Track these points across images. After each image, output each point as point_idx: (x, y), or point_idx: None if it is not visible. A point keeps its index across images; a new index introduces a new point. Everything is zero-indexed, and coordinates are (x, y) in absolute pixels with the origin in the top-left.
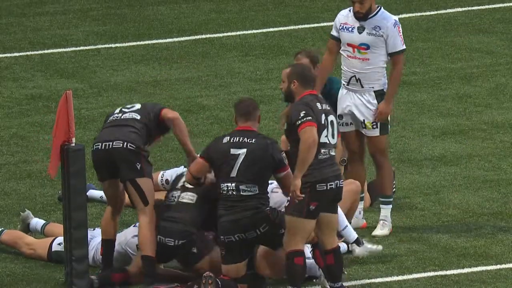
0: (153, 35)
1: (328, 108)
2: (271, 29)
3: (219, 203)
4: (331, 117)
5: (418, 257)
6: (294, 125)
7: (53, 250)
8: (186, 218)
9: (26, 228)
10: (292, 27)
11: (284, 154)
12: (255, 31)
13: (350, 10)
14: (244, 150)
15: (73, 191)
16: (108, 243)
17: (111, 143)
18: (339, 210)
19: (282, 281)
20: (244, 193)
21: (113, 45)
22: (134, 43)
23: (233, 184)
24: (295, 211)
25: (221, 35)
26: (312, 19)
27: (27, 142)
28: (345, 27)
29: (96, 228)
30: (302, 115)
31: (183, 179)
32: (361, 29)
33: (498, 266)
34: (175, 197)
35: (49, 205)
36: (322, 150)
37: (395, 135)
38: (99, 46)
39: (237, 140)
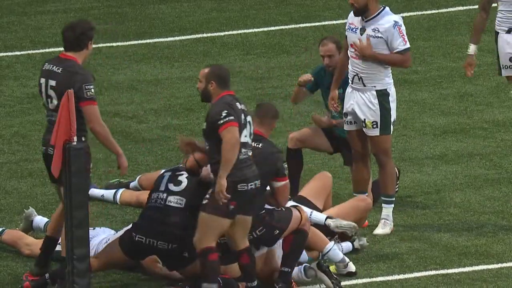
0: (154, 34)
1: (246, 109)
2: (272, 28)
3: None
4: (249, 117)
5: (419, 255)
6: (215, 124)
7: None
8: (178, 222)
9: (30, 225)
10: (293, 26)
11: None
12: (256, 30)
13: None
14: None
15: (75, 190)
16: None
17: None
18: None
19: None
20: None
21: (114, 44)
22: (135, 42)
23: None
24: (214, 210)
25: (222, 33)
26: (313, 18)
27: (28, 140)
28: (351, 27)
29: (96, 228)
30: (224, 114)
31: (164, 179)
32: (362, 30)
33: (500, 265)
34: (162, 199)
35: (50, 203)
36: (243, 150)
37: (396, 134)
38: (100, 45)
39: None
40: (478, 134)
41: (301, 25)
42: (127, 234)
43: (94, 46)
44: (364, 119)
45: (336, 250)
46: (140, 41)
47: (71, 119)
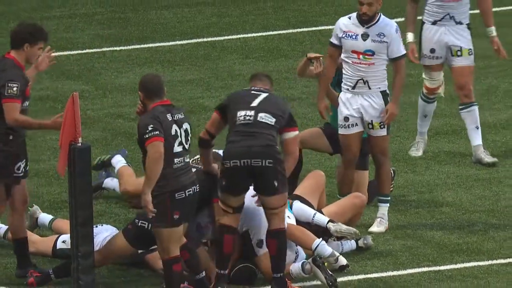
0: (156, 38)
1: (182, 117)
2: (271, 33)
3: (232, 133)
4: (186, 125)
5: (412, 253)
6: (142, 138)
7: (57, 247)
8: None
9: (35, 223)
10: (290, 31)
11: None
12: (255, 35)
13: (350, 18)
14: (265, 94)
15: (79, 189)
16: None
17: None
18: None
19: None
20: (262, 120)
21: (117, 48)
22: (138, 46)
23: (252, 111)
24: (161, 223)
25: (222, 38)
26: (310, 23)
27: (34, 142)
28: (349, 34)
29: (98, 225)
30: (149, 129)
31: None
32: (365, 36)
33: (490, 262)
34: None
35: (56, 202)
36: (176, 160)
37: (390, 135)
38: (104, 49)
39: (256, 89)
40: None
41: (298, 30)
42: (130, 224)
43: (98, 50)
44: (372, 121)
45: (324, 245)
46: (142, 45)
47: (76, 121)
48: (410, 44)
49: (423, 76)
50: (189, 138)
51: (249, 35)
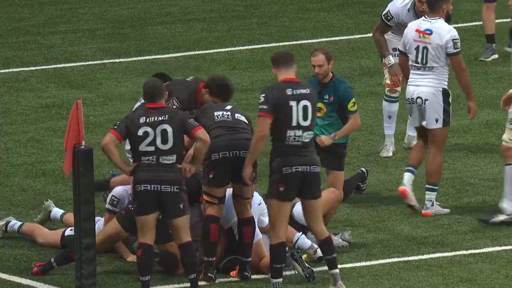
0: (152, 51)
1: (161, 119)
2: (256, 46)
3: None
4: (164, 127)
5: (383, 245)
6: None
7: (66, 235)
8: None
9: (47, 216)
10: (274, 44)
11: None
12: (241, 48)
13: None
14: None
15: (83, 187)
16: None
17: None
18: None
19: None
20: (239, 118)
21: (117, 60)
22: (136, 58)
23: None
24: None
25: (211, 51)
26: (291, 37)
27: (42, 144)
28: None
29: (98, 217)
30: (116, 124)
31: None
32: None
33: (453, 253)
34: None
35: (62, 200)
36: (143, 158)
37: (363, 139)
38: (105, 61)
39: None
40: None
41: (281, 43)
42: (123, 209)
43: (99, 62)
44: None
45: (304, 238)
46: (139, 58)
47: (79, 126)
48: (394, 66)
49: (385, 76)
50: (168, 139)
51: (236, 48)
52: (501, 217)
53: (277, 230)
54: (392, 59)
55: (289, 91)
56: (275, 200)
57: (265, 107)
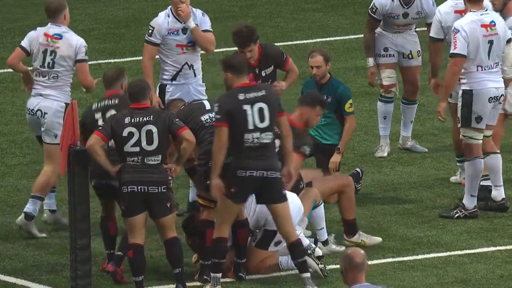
0: None
1: (147, 120)
2: None
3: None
4: (149, 127)
5: (378, 245)
6: None
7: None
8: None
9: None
10: None
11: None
12: (236, 49)
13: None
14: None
15: (78, 187)
16: None
17: None
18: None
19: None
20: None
21: (112, 60)
22: (130, 59)
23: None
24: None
25: None
26: (286, 38)
27: (37, 145)
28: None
29: None
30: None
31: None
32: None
33: (448, 253)
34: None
35: (57, 200)
36: (128, 158)
37: (358, 139)
38: (100, 61)
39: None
40: (430, 139)
41: (276, 44)
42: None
43: (94, 62)
44: None
45: (302, 237)
46: (134, 58)
47: (74, 126)
48: (370, 68)
49: (380, 76)
50: (153, 140)
51: (231, 49)
52: (460, 213)
53: (222, 226)
54: (371, 62)
55: (241, 96)
56: (227, 199)
57: (218, 116)
